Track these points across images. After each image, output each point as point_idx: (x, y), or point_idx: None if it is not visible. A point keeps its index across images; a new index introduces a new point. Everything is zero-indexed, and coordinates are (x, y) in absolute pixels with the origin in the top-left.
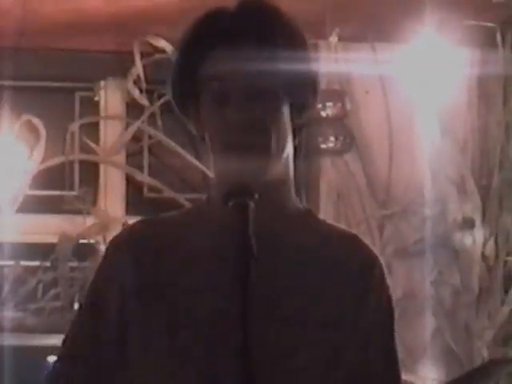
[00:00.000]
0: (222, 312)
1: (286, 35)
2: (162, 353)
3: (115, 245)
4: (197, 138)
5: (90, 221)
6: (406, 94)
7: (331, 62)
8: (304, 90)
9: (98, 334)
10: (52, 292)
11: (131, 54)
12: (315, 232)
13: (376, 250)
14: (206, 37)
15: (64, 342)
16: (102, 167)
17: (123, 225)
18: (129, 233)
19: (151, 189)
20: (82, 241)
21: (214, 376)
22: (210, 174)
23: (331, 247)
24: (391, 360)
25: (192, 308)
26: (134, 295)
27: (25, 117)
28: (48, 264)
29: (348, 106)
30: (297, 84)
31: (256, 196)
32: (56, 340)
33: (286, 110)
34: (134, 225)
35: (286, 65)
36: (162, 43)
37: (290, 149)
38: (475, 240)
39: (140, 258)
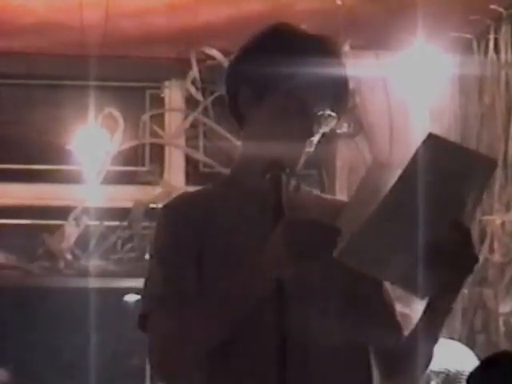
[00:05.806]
0: (258, 247)
1: (340, 60)
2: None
3: (170, 207)
4: (237, 124)
5: (157, 190)
6: (403, 90)
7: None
8: (346, 103)
9: (177, 270)
10: (128, 245)
11: (189, 60)
12: (307, 196)
13: None
14: (276, 49)
15: (146, 284)
16: (167, 148)
17: None
18: (178, 199)
19: (205, 165)
20: (151, 205)
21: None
22: (245, 153)
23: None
24: None
25: (235, 244)
26: (196, 236)
27: (107, 110)
28: (125, 224)
29: (357, 100)
30: (344, 101)
31: (287, 171)
32: (131, 283)
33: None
34: (179, 195)
35: (339, 82)
36: (213, 52)
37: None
38: None
39: (191, 214)
